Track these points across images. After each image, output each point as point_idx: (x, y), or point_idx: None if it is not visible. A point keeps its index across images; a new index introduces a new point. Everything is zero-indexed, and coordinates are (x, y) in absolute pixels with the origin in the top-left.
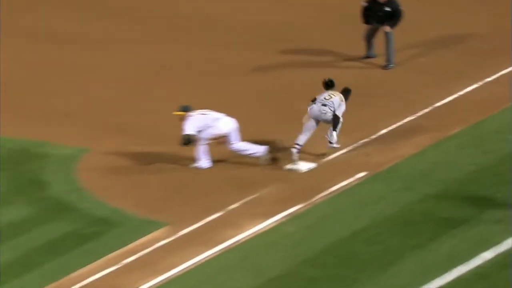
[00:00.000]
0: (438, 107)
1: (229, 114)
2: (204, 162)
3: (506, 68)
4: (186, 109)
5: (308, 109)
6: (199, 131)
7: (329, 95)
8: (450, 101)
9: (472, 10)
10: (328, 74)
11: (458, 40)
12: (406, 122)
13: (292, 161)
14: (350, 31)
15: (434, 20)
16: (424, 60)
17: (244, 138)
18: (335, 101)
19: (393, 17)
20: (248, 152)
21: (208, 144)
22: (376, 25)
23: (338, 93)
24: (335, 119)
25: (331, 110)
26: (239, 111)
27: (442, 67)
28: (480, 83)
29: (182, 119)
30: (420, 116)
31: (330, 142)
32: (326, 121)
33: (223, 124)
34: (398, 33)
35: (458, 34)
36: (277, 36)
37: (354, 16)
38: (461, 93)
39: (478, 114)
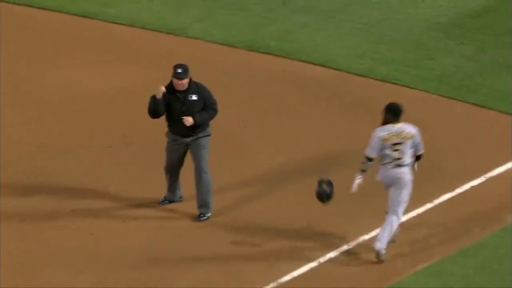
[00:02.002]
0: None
1: None
2: None
3: (370, 231)
4: None
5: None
6: None
7: (399, 141)
8: (298, 276)
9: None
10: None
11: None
12: None
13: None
14: (143, 157)
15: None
16: (259, 208)
17: None
18: (407, 146)
19: (204, 117)
20: None
21: None
22: (181, 140)
23: (405, 127)
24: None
25: (410, 166)
26: None
27: (290, 222)
28: (339, 251)
29: None
30: None
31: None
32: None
33: None
34: (217, 149)
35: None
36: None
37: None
38: (313, 265)
39: None
